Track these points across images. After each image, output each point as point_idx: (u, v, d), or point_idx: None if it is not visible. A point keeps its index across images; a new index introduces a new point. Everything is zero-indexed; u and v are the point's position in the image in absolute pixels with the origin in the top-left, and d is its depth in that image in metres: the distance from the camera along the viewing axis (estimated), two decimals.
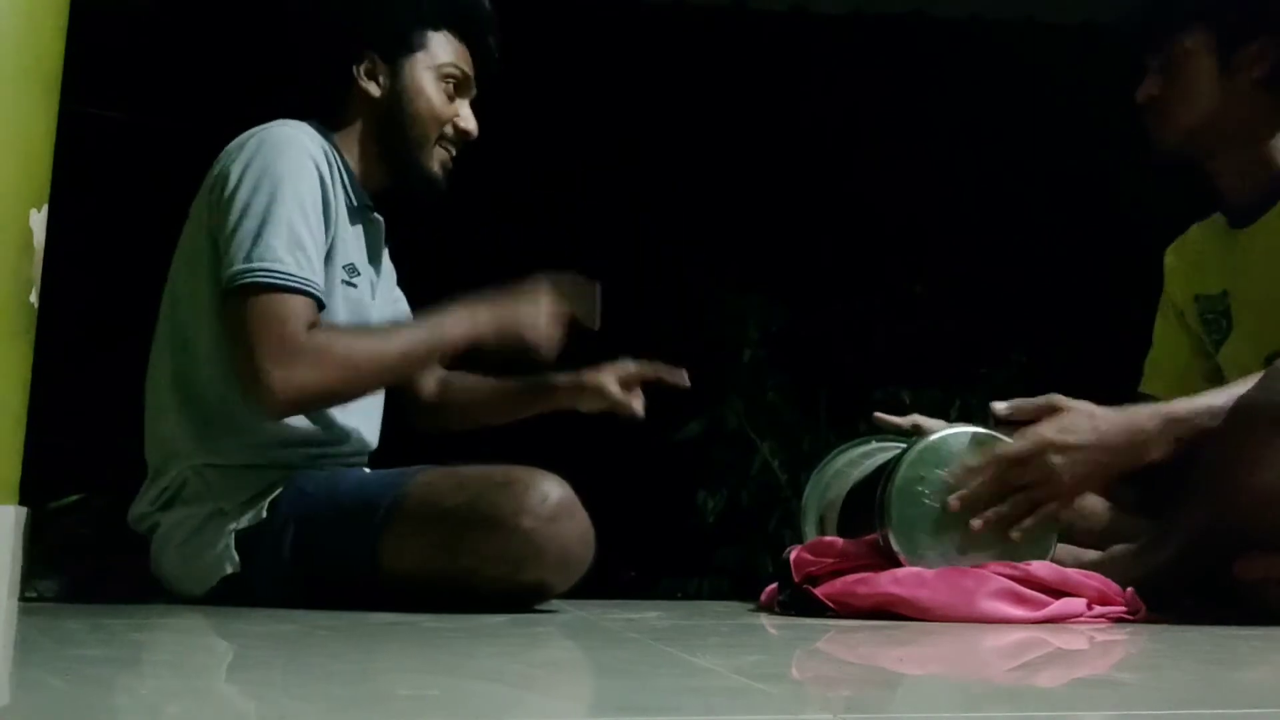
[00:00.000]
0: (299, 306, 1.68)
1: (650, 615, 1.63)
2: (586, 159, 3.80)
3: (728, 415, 3.61)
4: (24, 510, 1.59)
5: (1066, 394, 1.64)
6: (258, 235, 1.68)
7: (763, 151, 3.92)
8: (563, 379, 2.06)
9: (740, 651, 1.23)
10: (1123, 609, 1.54)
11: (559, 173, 3.74)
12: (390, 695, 0.90)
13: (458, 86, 1.91)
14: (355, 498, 1.70)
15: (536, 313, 1.82)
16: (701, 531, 3.59)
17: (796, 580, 1.62)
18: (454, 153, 1.93)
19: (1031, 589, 1.51)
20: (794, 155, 3.91)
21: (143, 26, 3.47)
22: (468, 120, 1.92)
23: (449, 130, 1.90)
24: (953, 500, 1.58)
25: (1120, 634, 1.41)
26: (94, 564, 2.15)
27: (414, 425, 2.10)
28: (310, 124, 1.83)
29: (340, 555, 1.66)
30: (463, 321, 1.78)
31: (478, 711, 0.82)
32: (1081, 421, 1.58)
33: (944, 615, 1.48)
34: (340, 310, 1.82)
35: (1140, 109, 1.86)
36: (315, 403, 1.74)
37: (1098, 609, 1.52)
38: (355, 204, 1.86)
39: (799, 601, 1.60)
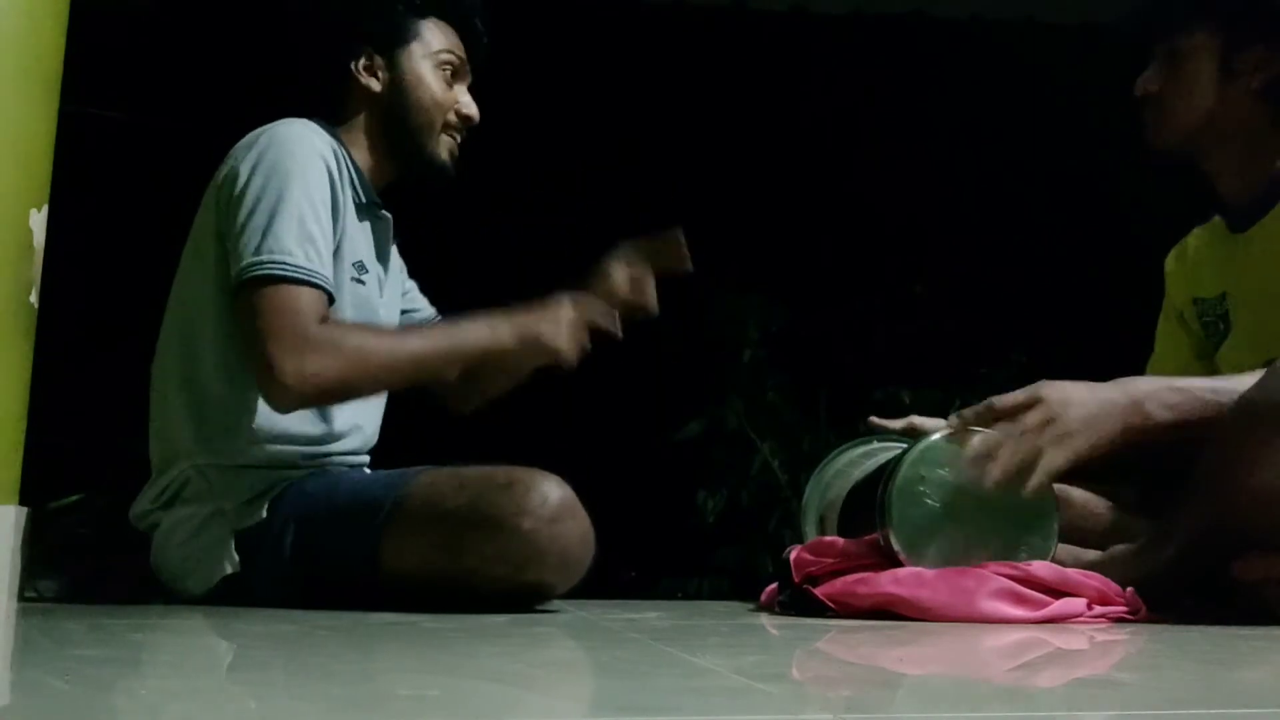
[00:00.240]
0: (309, 298, 1.68)
1: (650, 615, 1.63)
2: (587, 158, 3.80)
3: (728, 415, 3.61)
4: (24, 510, 1.59)
5: None
6: (267, 229, 1.69)
7: (763, 151, 3.92)
8: (569, 296, 2.02)
9: (740, 651, 1.23)
10: (1123, 609, 1.54)
11: (559, 172, 3.74)
12: (390, 695, 0.90)
13: (454, 73, 1.92)
14: (356, 498, 1.70)
15: (558, 324, 1.79)
16: (701, 531, 3.59)
17: (796, 580, 1.62)
18: (460, 139, 1.93)
19: (1031, 589, 1.51)
20: (794, 155, 3.91)
21: (143, 26, 3.47)
22: (469, 105, 1.92)
23: (452, 118, 1.91)
24: (952, 419, 1.58)
25: (1120, 634, 1.41)
26: (94, 564, 2.15)
27: (451, 411, 2.08)
28: (316, 122, 1.83)
29: (341, 555, 1.66)
30: (482, 331, 1.77)
31: (478, 711, 0.82)
32: (1078, 387, 1.59)
33: (944, 615, 1.48)
34: (348, 307, 1.82)
35: (1138, 101, 1.87)
36: (326, 395, 1.73)
37: (1098, 609, 1.52)
38: (363, 201, 1.86)
39: (799, 601, 1.60)
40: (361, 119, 1.90)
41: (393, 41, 1.89)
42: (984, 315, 3.80)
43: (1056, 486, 1.60)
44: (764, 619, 1.62)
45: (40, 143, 1.64)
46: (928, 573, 1.54)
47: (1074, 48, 3.80)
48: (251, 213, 1.70)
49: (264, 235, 1.68)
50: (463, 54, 1.93)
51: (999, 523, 1.59)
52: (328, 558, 1.67)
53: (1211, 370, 1.93)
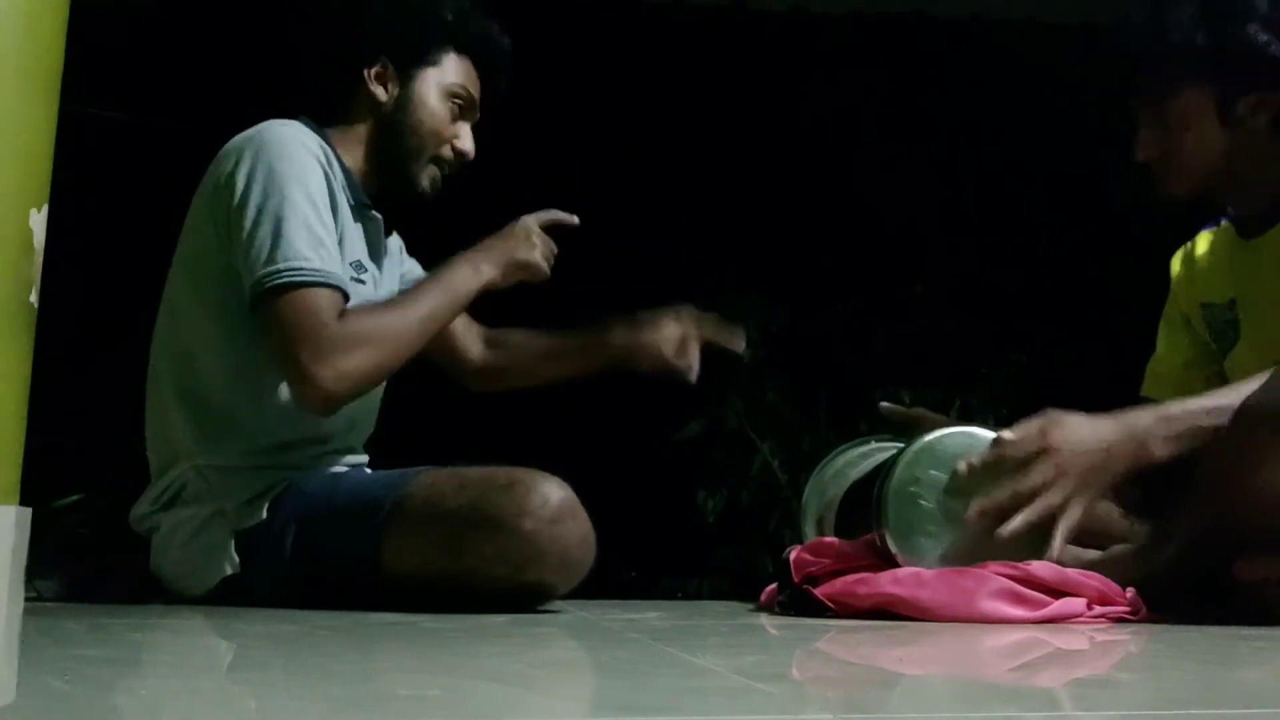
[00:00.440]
0: (328, 299, 1.69)
1: (650, 615, 1.63)
2: (586, 158, 3.79)
3: (728, 415, 3.61)
4: (25, 510, 1.59)
5: (1067, 395, 1.64)
6: (275, 237, 1.69)
7: (763, 151, 3.92)
8: (619, 336, 2.06)
9: (740, 651, 1.23)
10: (1123, 609, 1.54)
11: (559, 172, 3.74)
12: (390, 695, 0.90)
13: (462, 109, 1.92)
14: (356, 498, 1.70)
15: (530, 238, 1.87)
16: (701, 531, 3.58)
17: (796, 580, 1.62)
18: (446, 172, 1.93)
19: (1031, 589, 1.51)
20: (794, 155, 3.91)
21: (143, 26, 3.47)
22: (465, 141, 1.92)
23: (446, 151, 1.91)
24: (972, 510, 1.56)
25: (1120, 634, 1.41)
26: (94, 564, 2.15)
27: (469, 389, 2.12)
28: (304, 121, 1.83)
29: (341, 556, 1.66)
30: (468, 273, 1.82)
31: (478, 711, 0.82)
32: (1082, 428, 1.58)
33: (944, 615, 1.48)
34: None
35: (1143, 166, 1.84)
36: (362, 386, 1.74)
37: (1098, 609, 1.52)
38: (354, 202, 1.86)
39: (799, 601, 1.60)
40: (359, 125, 1.90)
41: (412, 59, 1.89)
42: (984, 315, 3.79)
43: None
44: (764, 619, 1.62)
45: (40, 143, 1.63)
46: (927, 573, 1.54)
47: (1074, 48, 3.79)
48: (256, 223, 1.70)
49: (273, 244, 1.68)
50: (476, 95, 1.93)
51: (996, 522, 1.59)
52: (328, 558, 1.67)
53: (1213, 373, 1.92)
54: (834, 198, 3.89)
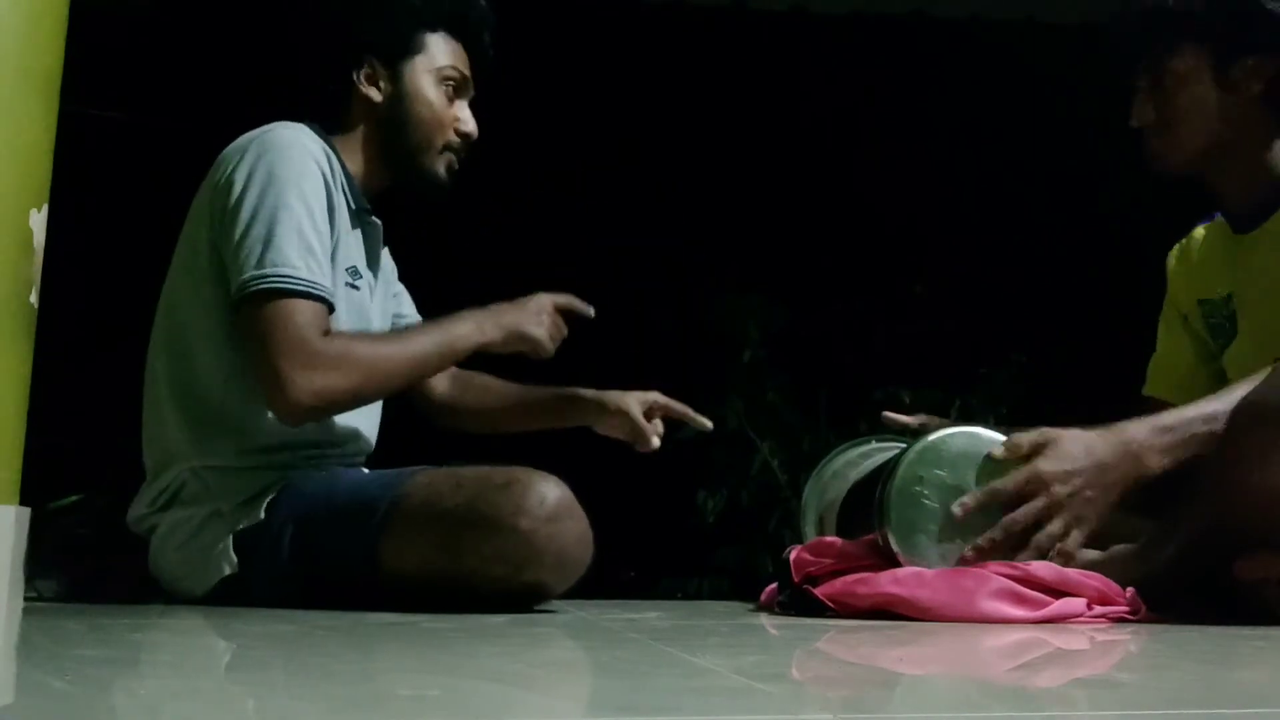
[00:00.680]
0: (313, 311, 1.68)
1: (650, 615, 1.63)
2: (586, 159, 3.80)
3: (728, 415, 3.61)
4: (24, 510, 1.59)
5: (1067, 395, 1.64)
6: (267, 241, 1.68)
7: (762, 151, 3.92)
8: (587, 395, 2.07)
9: (740, 651, 1.23)
10: (1123, 609, 1.54)
11: (559, 172, 3.74)
12: (390, 695, 0.90)
13: (457, 88, 1.91)
14: (354, 498, 1.70)
15: (540, 315, 1.85)
16: (701, 531, 3.59)
17: (796, 580, 1.62)
18: (460, 156, 1.93)
19: (1031, 589, 1.51)
20: (794, 155, 3.91)
21: (143, 26, 3.47)
22: (468, 123, 1.92)
23: (452, 136, 1.90)
24: (968, 552, 1.55)
25: (1120, 634, 1.41)
26: (94, 564, 2.15)
27: (431, 423, 2.11)
28: (309, 125, 1.83)
29: (339, 555, 1.66)
30: (469, 329, 1.81)
31: (478, 711, 0.82)
32: (1074, 448, 1.57)
33: (944, 615, 1.48)
34: (343, 313, 1.82)
35: (1136, 132, 1.85)
36: (336, 407, 1.74)
37: (1098, 609, 1.52)
38: (354, 207, 1.86)
39: (799, 601, 1.60)
40: (360, 128, 1.90)
41: (397, 53, 1.88)
42: (984, 315, 3.79)
43: None
44: (764, 619, 1.62)
45: (40, 143, 1.63)
46: (928, 573, 1.54)
47: (1074, 48, 3.80)
48: (250, 224, 1.70)
49: (265, 247, 1.68)
50: (467, 70, 1.92)
51: (997, 522, 1.59)
52: (326, 558, 1.67)
53: (1215, 370, 1.92)
54: (834, 198, 3.89)
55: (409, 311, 2.10)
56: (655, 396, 2.09)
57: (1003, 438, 1.61)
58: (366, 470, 1.91)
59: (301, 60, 1.99)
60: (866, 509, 1.64)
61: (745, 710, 0.82)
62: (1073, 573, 1.55)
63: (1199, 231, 2.00)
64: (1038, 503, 1.55)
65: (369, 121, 1.89)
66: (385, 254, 2.01)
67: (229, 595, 1.69)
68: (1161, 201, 2.03)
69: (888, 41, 4.04)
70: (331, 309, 1.73)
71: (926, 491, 1.59)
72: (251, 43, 3.34)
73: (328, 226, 1.76)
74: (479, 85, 1.96)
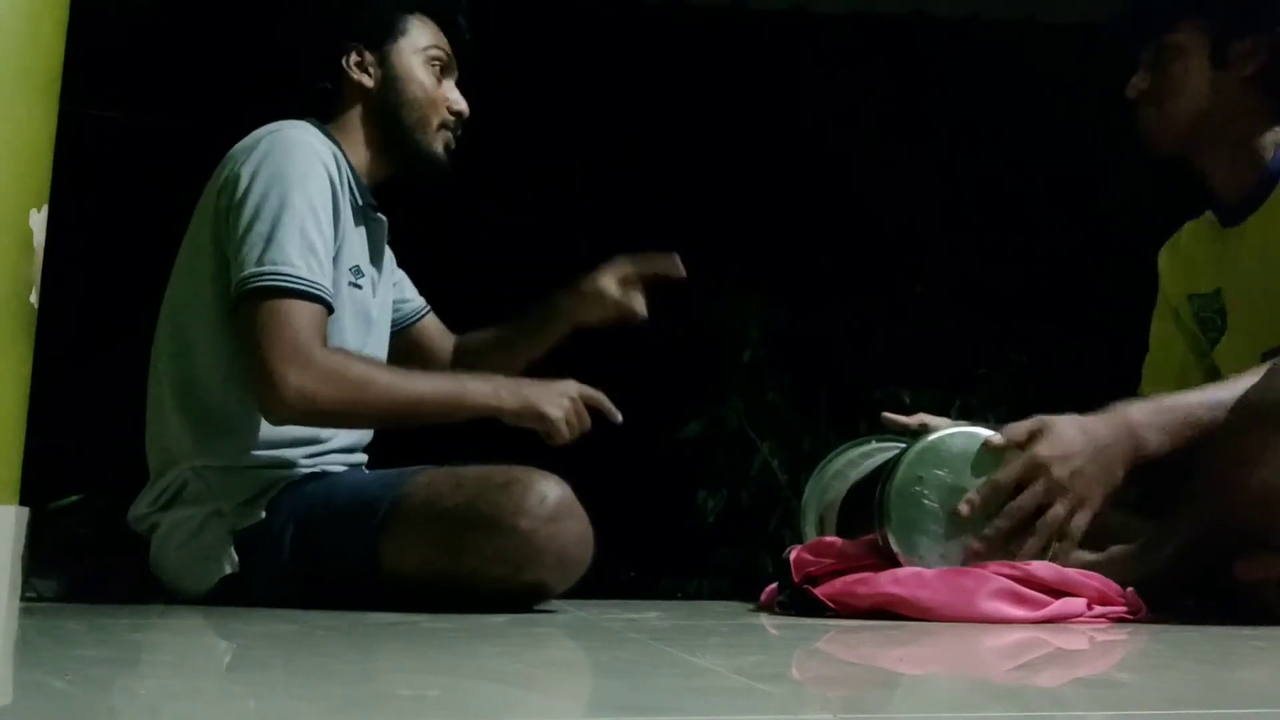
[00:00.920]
0: (311, 312, 1.68)
1: (650, 615, 1.63)
2: (586, 158, 3.79)
3: (728, 415, 3.61)
4: (24, 510, 1.59)
5: (1066, 394, 1.64)
6: (270, 239, 1.69)
7: (763, 151, 3.92)
8: (564, 298, 2.08)
9: (740, 651, 1.23)
10: (1123, 609, 1.54)
11: (559, 172, 3.74)
12: (390, 695, 0.90)
13: (443, 68, 1.94)
14: (354, 498, 1.70)
15: (562, 400, 1.79)
16: (701, 531, 3.58)
17: (796, 580, 1.62)
18: (455, 134, 1.94)
19: (1031, 589, 1.51)
20: (794, 155, 3.91)
21: (143, 26, 3.47)
22: (458, 101, 1.94)
23: (446, 114, 1.92)
24: (976, 544, 1.56)
25: (1120, 634, 1.41)
26: (94, 564, 2.15)
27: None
28: (312, 122, 1.83)
29: (340, 555, 1.66)
30: (485, 390, 1.77)
31: (478, 711, 0.82)
32: (1070, 431, 1.57)
33: (944, 615, 1.48)
34: (347, 312, 1.82)
35: (1131, 104, 1.86)
36: (319, 417, 1.74)
37: (1098, 609, 1.52)
38: (359, 204, 1.86)
39: (799, 601, 1.60)
40: (355, 116, 1.91)
41: (382, 38, 1.90)
42: (984, 315, 3.79)
43: None
44: (764, 619, 1.62)
45: (40, 143, 1.64)
46: (928, 573, 1.54)
47: (1074, 48, 3.80)
48: (253, 221, 1.70)
49: (266, 245, 1.68)
50: (449, 50, 1.95)
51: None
52: (327, 557, 1.67)
53: (1207, 366, 1.93)
54: (834, 198, 3.89)
55: (411, 295, 2.11)
56: (623, 266, 2.08)
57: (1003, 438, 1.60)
58: (367, 470, 1.91)
59: (292, 53, 2.00)
60: (866, 509, 1.64)
61: (745, 710, 0.82)
62: (1073, 573, 1.55)
63: (1188, 227, 2.01)
64: (1038, 487, 1.55)
65: (364, 108, 1.91)
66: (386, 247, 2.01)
67: (229, 595, 1.70)
68: (1161, 202, 2.03)
69: (888, 41, 4.04)
70: (331, 310, 1.73)
71: (926, 491, 1.59)
72: (250, 42, 3.34)
73: (332, 228, 1.76)
74: (463, 67, 1.98)
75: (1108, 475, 1.56)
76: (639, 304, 2.08)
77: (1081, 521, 1.56)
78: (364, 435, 1.91)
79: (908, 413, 1.93)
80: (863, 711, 0.86)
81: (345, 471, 1.85)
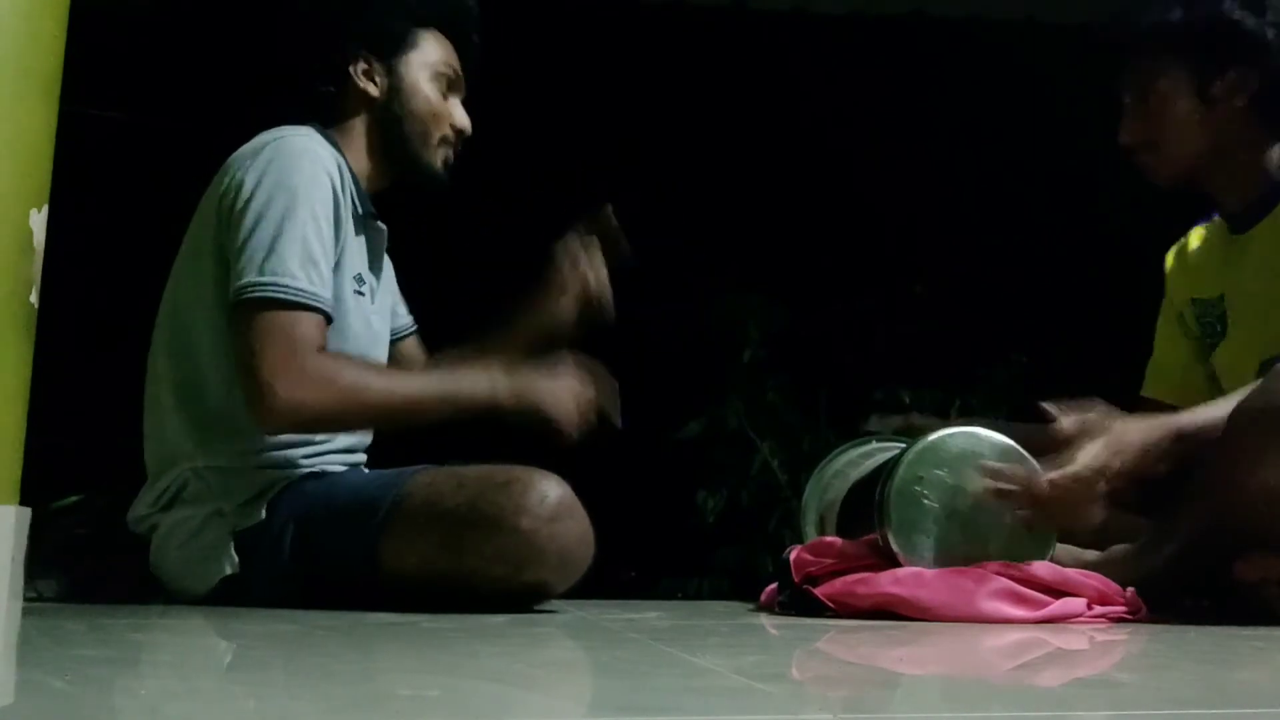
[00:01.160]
0: (309, 324, 1.68)
1: (650, 615, 1.63)
2: (586, 159, 3.79)
3: (728, 415, 3.61)
4: (25, 510, 1.59)
5: (1067, 394, 1.64)
6: (271, 248, 1.69)
7: (763, 152, 3.92)
8: (527, 303, 2.01)
9: (740, 651, 1.23)
10: (1123, 609, 1.54)
11: (559, 172, 3.74)
12: (390, 695, 0.90)
13: (450, 84, 1.93)
14: (355, 498, 1.70)
15: (561, 389, 1.77)
16: (701, 531, 3.58)
17: (796, 580, 1.62)
18: (455, 150, 1.94)
19: (1031, 589, 1.51)
20: (794, 155, 3.91)
21: (143, 27, 3.47)
22: (462, 118, 1.94)
23: (447, 130, 1.92)
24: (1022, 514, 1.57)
25: (1120, 634, 1.41)
26: (94, 564, 2.15)
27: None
28: (316, 128, 1.83)
29: (340, 555, 1.66)
30: (481, 383, 1.75)
31: (478, 711, 0.82)
32: (1121, 437, 1.58)
33: (944, 615, 1.48)
34: (352, 320, 1.82)
35: (1126, 149, 1.85)
36: (314, 425, 1.75)
37: (1098, 609, 1.52)
38: (361, 213, 1.86)
39: (799, 601, 1.60)
40: (358, 124, 1.91)
41: (392, 49, 1.90)
42: (984, 315, 3.79)
43: None
44: (764, 619, 1.62)
45: (40, 143, 1.63)
46: (928, 573, 1.54)
47: (1074, 48, 3.80)
48: (255, 228, 1.70)
49: (268, 254, 1.68)
50: (459, 67, 1.94)
51: (997, 522, 1.59)
52: (327, 557, 1.67)
53: (1207, 374, 1.93)
54: (834, 198, 3.88)
55: (402, 310, 2.10)
56: (571, 250, 2.03)
57: (1002, 438, 1.61)
58: (367, 470, 1.91)
59: (299, 56, 2.00)
60: (866, 509, 1.64)
61: (745, 710, 0.82)
62: (1073, 573, 1.55)
63: (1197, 231, 2.00)
64: (1095, 490, 1.57)
65: (367, 116, 1.91)
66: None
67: (230, 595, 1.70)
68: (1161, 202, 2.03)
69: (888, 41, 4.04)
70: (329, 320, 1.73)
71: (926, 491, 1.59)
72: (251, 42, 3.34)
73: (333, 239, 1.76)
74: (469, 84, 1.97)
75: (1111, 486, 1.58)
76: (607, 290, 2.03)
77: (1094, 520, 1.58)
78: (364, 435, 1.91)
79: (908, 413, 1.93)
80: (863, 711, 0.86)
81: (345, 471, 1.85)
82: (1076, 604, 1.51)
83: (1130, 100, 1.84)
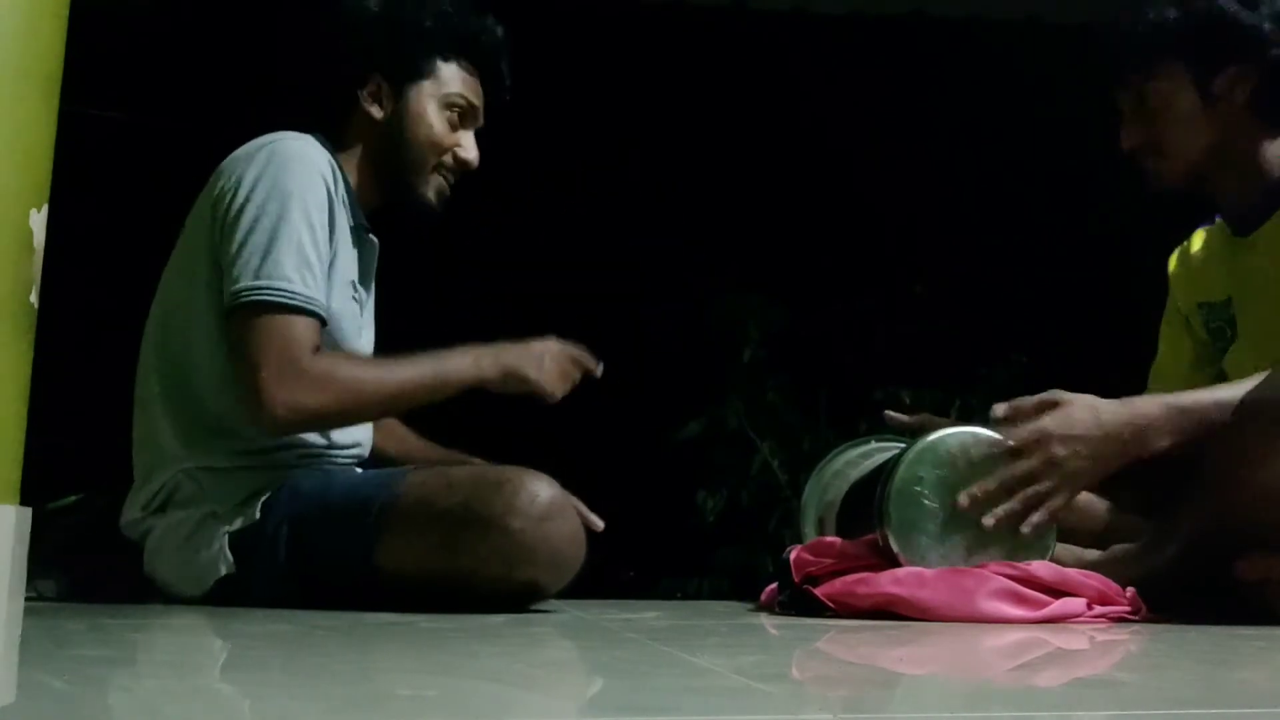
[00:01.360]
0: (304, 327, 1.69)
1: (650, 615, 1.63)
2: (586, 159, 3.79)
3: (728, 415, 3.61)
4: (24, 510, 1.59)
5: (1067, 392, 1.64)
6: (266, 252, 1.69)
7: (763, 151, 3.92)
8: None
9: (740, 651, 1.23)
10: (1123, 609, 1.54)
11: (559, 172, 3.74)
12: (389, 695, 0.90)
13: (462, 116, 1.91)
14: (348, 498, 1.70)
15: (542, 358, 1.79)
16: (701, 531, 3.58)
17: (796, 580, 1.62)
18: (452, 181, 1.93)
19: (1031, 589, 1.51)
20: (794, 155, 3.91)
21: (143, 27, 3.47)
22: (468, 150, 1.92)
23: (448, 159, 1.90)
24: (962, 498, 1.56)
25: (1120, 634, 1.41)
26: (94, 564, 2.15)
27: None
28: (317, 137, 1.83)
29: (335, 555, 1.66)
30: (465, 362, 1.77)
31: (477, 711, 0.82)
32: (1083, 413, 1.58)
33: (944, 615, 1.48)
34: (347, 325, 1.82)
35: (1128, 155, 1.85)
36: (314, 425, 1.76)
37: (1098, 609, 1.52)
38: (353, 223, 1.86)
39: (799, 601, 1.60)
40: (359, 143, 1.90)
41: (404, 75, 1.88)
42: (984, 315, 3.79)
43: None
44: (764, 619, 1.62)
45: (40, 143, 1.63)
46: (928, 573, 1.54)
47: (1074, 48, 3.80)
48: (250, 232, 1.70)
49: (263, 258, 1.69)
50: (478, 100, 1.93)
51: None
52: (322, 557, 1.67)
53: (1215, 375, 1.92)
54: (834, 198, 3.89)
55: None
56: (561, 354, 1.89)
57: (1002, 437, 1.60)
58: (361, 470, 1.90)
59: (310, 68, 1.99)
60: (866, 509, 1.64)
61: (745, 710, 0.82)
62: (1073, 573, 1.55)
63: (1199, 234, 2.00)
64: (1033, 460, 1.56)
65: (368, 137, 1.90)
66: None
67: (226, 596, 1.69)
68: (1161, 202, 2.03)
69: (888, 41, 4.04)
70: (324, 324, 1.73)
71: (926, 491, 1.59)
72: (252, 43, 3.34)
73: (328, 242, 1.76)
74: (492, 114, 1.96)
75: (1102, 464, 1.57)
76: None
77: (1059, 502, 1.57)
78: (358, 434, 1.91)
79: (908, 413, 1.93)
80: (863, 711, 0.86)
81: (339, 472, 1.85)
82: (1077, 604, 1.51)
83: (1129, 105, 1.83)
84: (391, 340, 2.08)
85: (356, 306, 1.87)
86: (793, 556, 1.65)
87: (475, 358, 1.78)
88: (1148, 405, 1.60)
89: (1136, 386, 2.04)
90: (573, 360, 1.82)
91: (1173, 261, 2.03)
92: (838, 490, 1.85)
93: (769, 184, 3.93)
